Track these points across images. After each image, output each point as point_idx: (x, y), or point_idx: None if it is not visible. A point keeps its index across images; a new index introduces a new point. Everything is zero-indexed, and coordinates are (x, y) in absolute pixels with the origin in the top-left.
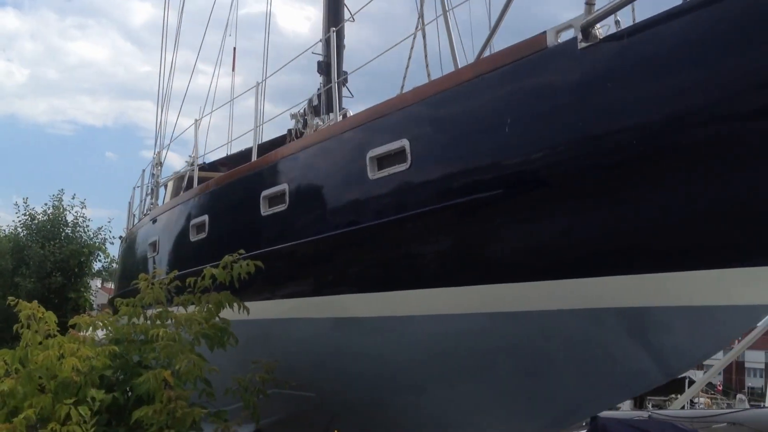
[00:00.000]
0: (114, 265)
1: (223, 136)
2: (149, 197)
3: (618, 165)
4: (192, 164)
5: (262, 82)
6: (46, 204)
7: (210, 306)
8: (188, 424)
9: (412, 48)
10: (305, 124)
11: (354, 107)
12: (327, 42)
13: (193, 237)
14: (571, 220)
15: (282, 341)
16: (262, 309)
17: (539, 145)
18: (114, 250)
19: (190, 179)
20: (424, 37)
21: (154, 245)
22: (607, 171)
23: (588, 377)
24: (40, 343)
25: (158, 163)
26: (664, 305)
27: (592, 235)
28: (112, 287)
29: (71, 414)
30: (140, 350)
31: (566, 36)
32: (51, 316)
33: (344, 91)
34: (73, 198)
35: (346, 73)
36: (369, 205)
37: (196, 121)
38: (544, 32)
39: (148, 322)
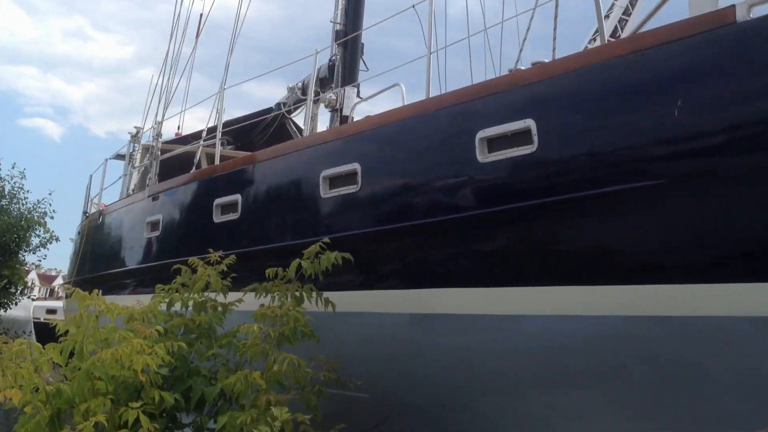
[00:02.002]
0: (54, 241)
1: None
2: (130, 175)
3: None
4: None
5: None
6: None
7: (291, 300)
8: None
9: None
10: (298, 101)
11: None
12: (345, 11)
13: (218, 218)
14: (752, 215)
15: (341, 337)
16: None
17: (715, 131)
18: (55, 225)
19: (191, 155)
20: None
21: (155, 224)
22: None
23: (753, 394)
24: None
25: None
26: None
27: None
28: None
29: (140, 420)
30: (197, 345)
31: (761, 11)
32: (116, 308)
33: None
34: (13, 168)
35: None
36: (476, 190)
37: (222, 90)
38: (732, 6)
39: (204, 313)
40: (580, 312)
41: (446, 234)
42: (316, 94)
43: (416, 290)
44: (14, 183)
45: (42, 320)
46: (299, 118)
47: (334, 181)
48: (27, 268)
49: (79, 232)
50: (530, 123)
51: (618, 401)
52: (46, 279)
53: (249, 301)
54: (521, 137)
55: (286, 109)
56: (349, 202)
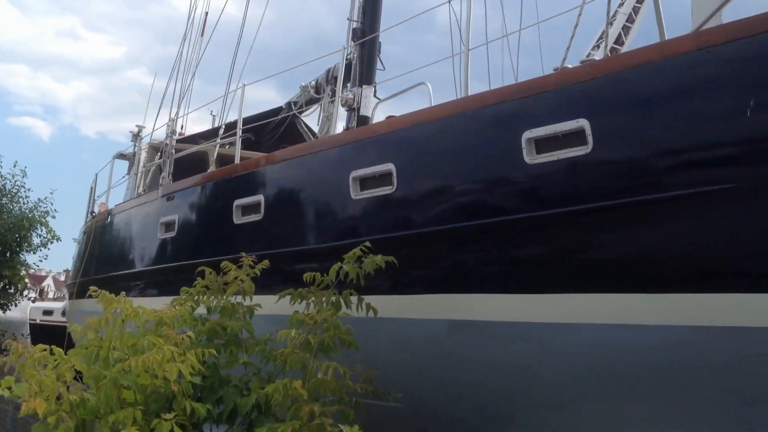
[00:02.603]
0: (55, 240)
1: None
2: (143, 174)
3: None
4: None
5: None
6: None
7: (329, 306)
8: None
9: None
10: (309, 100)
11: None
12: (362, 9)
13: (238, 219)
14: None
15: (373, 343)
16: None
17: None
18: (57, 224)
19: (201, 154)
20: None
21: (169, 225)
22: None
23: None
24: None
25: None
26: None
27: None
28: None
29: None
30: (227, 353)
31: None
32: (144, 312)
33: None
34: (14, 166)
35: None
36: (524, 192)
37: (243, 85)
38: None
39: (231, 317)
40: (640, 321)
41: (490, 237)
42: (334, 93)
43: (455, 295)
44: (15, 181)
45: (38, 322)
46: (309, 118)
47: (366, 182)
48: (32, 270)
49: (84, 233)
50: (584, 123)
51: (682, 416)
52: (36, 279)
53: (267, 304)
54: (574, 138)
55: (298, 108)
56: (383, 204)
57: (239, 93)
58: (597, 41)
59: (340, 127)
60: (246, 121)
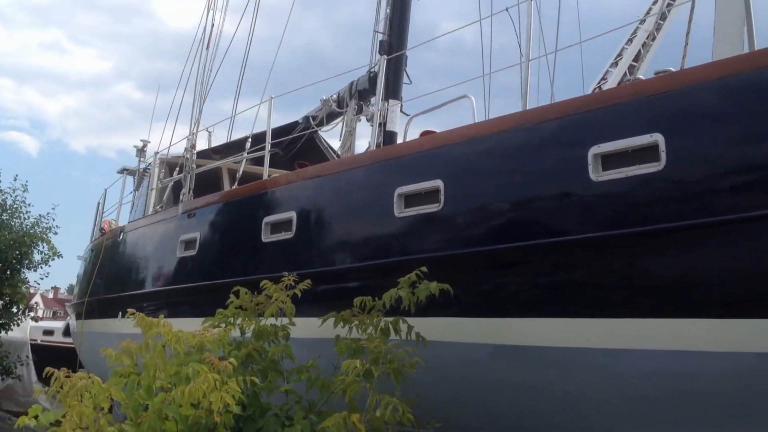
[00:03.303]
0: (57, 257)
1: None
2: (157, 190)
3: None
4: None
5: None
6: None
7: (378, 333)
8: None
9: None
10: (329, 115)
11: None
12: (390, 21)
13: (267, 237)
14: None
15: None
16: None
17: None
18: (59, 241)
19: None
20: None
21: (190, 243)
22: None
23: None
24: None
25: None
26: None
27: None
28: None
29: None
30: (267, 380)
31: None
32: (185, 336)
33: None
34: (15, 180)
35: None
36: (587, 211)
37: (271, 98)
38: None
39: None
40: (706, 348)
41: (546, 259)
42: (361, 108)
43: (501, 319)
44: (16, 196)
45: (40, 342)
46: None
47: (412, 199)
48: (32, 289)
49: (92, 250)
50: (658, 138)
51: None
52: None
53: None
54: (645, 153)
55: (317, 123)
56: (429, 222)
57: (249, 109)
58: (615, 59)
59: (362, 142)
60: (260, 136)
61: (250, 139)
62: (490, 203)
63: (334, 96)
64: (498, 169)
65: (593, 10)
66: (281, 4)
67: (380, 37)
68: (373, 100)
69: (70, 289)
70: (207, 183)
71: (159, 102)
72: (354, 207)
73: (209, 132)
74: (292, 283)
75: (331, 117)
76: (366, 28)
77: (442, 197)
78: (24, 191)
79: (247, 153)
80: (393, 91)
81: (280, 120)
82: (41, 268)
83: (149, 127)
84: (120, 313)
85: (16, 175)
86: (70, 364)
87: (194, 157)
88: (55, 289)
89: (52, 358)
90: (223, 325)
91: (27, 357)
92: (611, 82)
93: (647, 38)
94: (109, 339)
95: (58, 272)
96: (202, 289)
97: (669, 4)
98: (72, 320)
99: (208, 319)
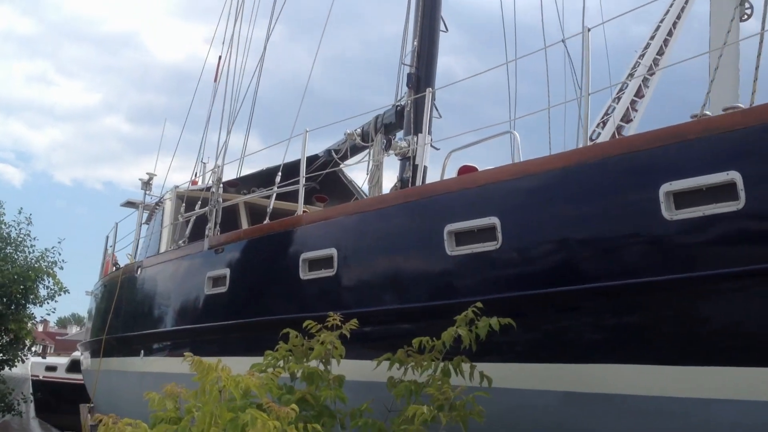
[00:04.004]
0: (64, 293)
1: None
2: (178, 225)
3: None
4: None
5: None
6: None
7: (440, 375)
8: None
9: None
10: (353, 148)
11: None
12: (418, 53)
13: (305, 274)
14: None
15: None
16: None
17: None
18: (65, 276)
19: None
20: None
21: (219, 279)
22: None
23: None
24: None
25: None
26: None
27: None
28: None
29: None
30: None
31: None
32: (243, 381)
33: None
34: (20, 213)
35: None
36: (661, 251)
37: (306, 131)
38: None
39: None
40: None
41: (620, 301)
42: (390, 142)
43: (573, 365)
44: (20, 229)
45: (41, 378)
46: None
47: (464, 237)
48: (35, 323)
49: (104, 285)
50: (735, 176)
51: None
52: None
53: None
54: (722, 192)
55: (340, 156)
56: (484, 261)
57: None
58: (618, 93)
59: (389, 177)
60: (271, 171)
61: (280, 173)
62: (553, 242)
63: (358, 130)
64: (560, 205)
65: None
66: (273, 38)
67: (407, 69)
68: (399, 134)
69: (60, 322)
70: (226, 218)
71: (149, 134)
72: (401, 244)
73: (204, 163)
74: (339, 323)
75: (354, 151)
76: (353, 61)
77: (499, 235)
78: (28, 224)
79: (278, 186)
80: (422, 124)
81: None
82: (47, 303)
83: (155, 159)
84: (142, 351)
85: (21, 208)
86: (74, 401)
87: (221, 190)
88: (45, 322)
89: (55, 394)
90: (270, 369)
91: (29, 393)
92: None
93: (636, 95)
94: (128, 378)
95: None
96: (234, 328)
97: (656, 59)
98: (85, 358)
99: (256, 364)
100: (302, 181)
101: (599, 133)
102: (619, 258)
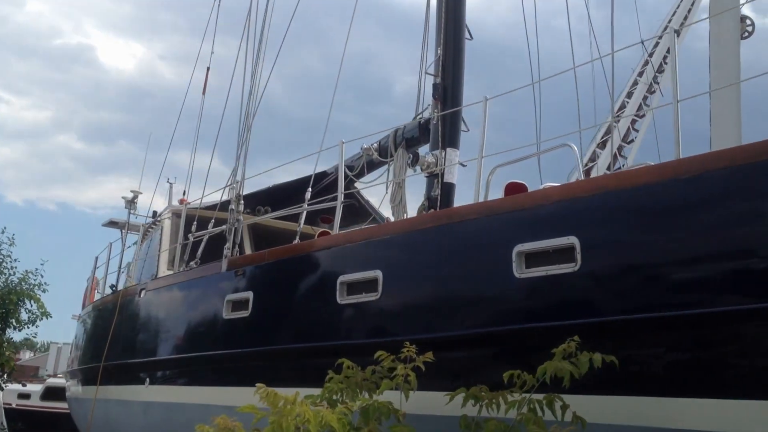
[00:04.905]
0: (46, 317)
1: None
2: (189, 244)
3: None
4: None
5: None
6: None
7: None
8: None
9: None
10: (369, 164)
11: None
12: (443, 62)
13: (343, 298)
14: None
15: None
16: None
17: None
18: (49, 299)
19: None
20: None
21: (240, 303)
22: None
23: None
24: None
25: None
26: None
27: None
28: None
29: None
30: None
31: None
32: (331, 419)
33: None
34: (2, 233)
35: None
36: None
37: (342, 142)
38: None
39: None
40: None
41: (726, 330)
42: (416, 157)
43: (665, 399)
44: (1, 250)
45: (14, 407)
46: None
47: (537, 258)
48: (13, 352)
49: (98, 309)
50: None
51: None
52: None
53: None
54: None
55: (355, 173)
56: (561, 284)
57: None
58: (602, 138)
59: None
60: (280, 188)
61: (310, 188)
62: (643, 263)
63: (375, 144)
64: (650, 223)
65: None
66: (233, 55)
67: (430, 79)
68: (424, 149)
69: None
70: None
71: (103, 153)
72: (459, 265)
73: (170, 183)
74: (413, 355)
75: (369, 167)
76: (316, 81)
77: (578, 256)
78: (10, 245)
79: (308, 204)
80: (450, 138)
81: (226, 170)
82: (28, 328)
83: (110, 179)
84: (147, 379)
85: (4, 228)
86: (49, 429)
87: (241, 208)
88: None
89: (29, 423)
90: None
91: (1, 423)
92: (601, 165)
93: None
94: (130, 408)
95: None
96: (259, 355)
97: (655, 76)
98: (72, 385)
99: (309, 396)
100: (340, 197)
101: (599, 153)
102: (733, 281)
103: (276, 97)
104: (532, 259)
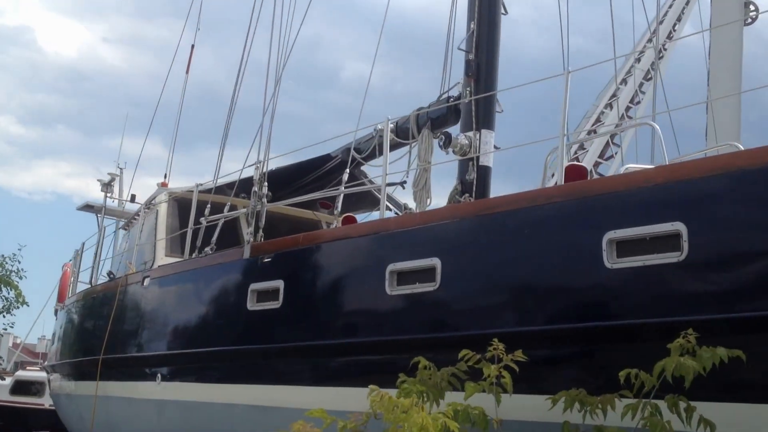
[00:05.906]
0: (22, 305)
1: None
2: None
3: None
4: None
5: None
6: None
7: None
8: None
9: None
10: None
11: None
12: (477, 38)
13: (393, 288)
14: None
15: None
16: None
17: None
18: (26, 285)
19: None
20: None
21: (268, 293)
22: None
23: None
24: None
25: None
26: None
27: None
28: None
29: None
30: None
31: None
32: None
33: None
34: None
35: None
36: None
37: (388, 119)
38: None
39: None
40: None
41: None
42: (449, 138)
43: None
44: None
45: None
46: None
47: (628, 247)
48: None
49: (91, 299)
50: None
51: None
52: None
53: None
54: None
55: (364, 156)
56: (663, 275)
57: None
58: (609, 100)
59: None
60: (278, 173)
61: (348, 170)
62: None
63: (392, 125)
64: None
65: None
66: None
67: (457, 57)
68: (453, 129)
69: None
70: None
71: (42, 137)
72: (540, 253)
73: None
74: (501, 354)
75: (381, 150)
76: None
77: (684, 245)
78: None
79: (344, 186)
80: (485, 119)
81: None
82: (3, 316)
83: (50, 163)
84: (158, 375)
85: None
86: (19, 425)
87: (265, 190)
88: None
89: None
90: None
91: None
92: (608, 124)
93: (643, 77)
94: (139, 406)
95: None
96: (293, 351)
97: (665, 41)
98: (59, 380)
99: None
100: (384, 179)
101: (606, 113)
102: None
103: (220, 84)
104: (626, 247)
